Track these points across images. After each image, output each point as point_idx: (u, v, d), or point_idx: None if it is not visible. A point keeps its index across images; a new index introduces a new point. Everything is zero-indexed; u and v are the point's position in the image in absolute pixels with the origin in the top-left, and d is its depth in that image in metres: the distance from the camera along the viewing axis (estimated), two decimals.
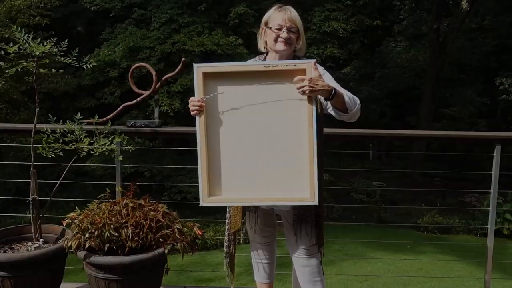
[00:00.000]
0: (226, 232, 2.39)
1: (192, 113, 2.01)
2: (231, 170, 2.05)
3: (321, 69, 2.16)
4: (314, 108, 1.94)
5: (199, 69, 1.97)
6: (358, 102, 2.05)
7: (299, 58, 2.19)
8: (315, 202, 1.99)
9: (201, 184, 2.04)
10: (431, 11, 17.35)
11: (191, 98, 2.00)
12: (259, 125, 2.01)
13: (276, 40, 2.12)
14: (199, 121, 2.00)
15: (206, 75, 1.97)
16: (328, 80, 2.11)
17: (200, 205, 2.07)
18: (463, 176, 16.42)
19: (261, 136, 2.02)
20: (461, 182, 16.25)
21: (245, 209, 2.31)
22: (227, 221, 2.37)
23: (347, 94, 2.02)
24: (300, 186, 2.01)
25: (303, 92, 1.89)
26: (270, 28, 2.13)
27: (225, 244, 2.41)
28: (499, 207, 10.78)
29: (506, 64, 16.95)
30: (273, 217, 2.36)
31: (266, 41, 2.18)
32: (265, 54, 2.25)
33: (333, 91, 1.92)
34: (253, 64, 2.06)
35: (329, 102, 2.05)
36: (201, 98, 1.97)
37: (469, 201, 14.17)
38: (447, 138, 3.76)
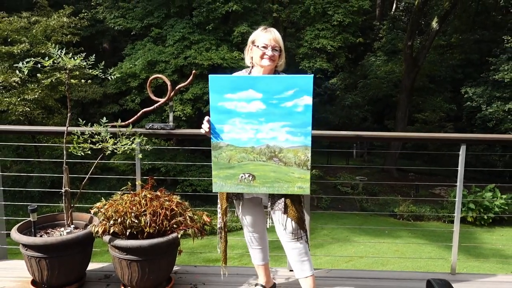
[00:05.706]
0: (218, 226, 2.31)
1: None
2: None
3: None
4: None
5: None
6: None
7: (279, 73, 2.17)
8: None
9: None
10: (406, 30, 17.33)
11: None
12: None
13: (262, 57, 2.09)
14: None
15: None
16: None
17: None
18: (433, 171, 16.44)
19: None
20: (431, 177, 16.27)
21: (229, 196, 2.25)
22: (218, 215, 2.31)
23: None
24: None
25: None
26: (257, 46, 2.10)
27: (218, 237, 2.33)
28: (464, 198, 10.77)
29: (470, 75, 16.96)
30: (260, 208, 2.30)
31: (252, 57, 2.16)
32: (250, 68, 2.21)
33: None
34: None
35: None
36: None
37: (438, 193, 14.16)
38: (419, 139, 3.79)
